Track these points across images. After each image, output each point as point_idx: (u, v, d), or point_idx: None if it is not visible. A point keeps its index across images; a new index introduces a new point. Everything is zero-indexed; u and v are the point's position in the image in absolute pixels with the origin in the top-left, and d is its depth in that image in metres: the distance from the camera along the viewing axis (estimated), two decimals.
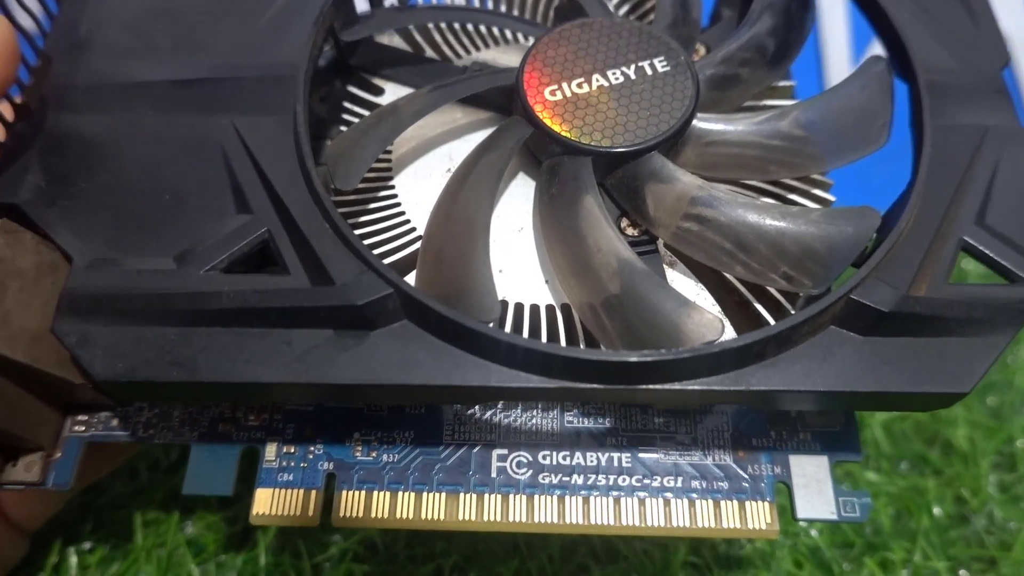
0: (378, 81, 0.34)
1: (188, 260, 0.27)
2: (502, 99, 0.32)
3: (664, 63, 0.30)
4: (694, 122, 0.30)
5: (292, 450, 0.30)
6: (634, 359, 0.24)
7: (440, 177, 0.31)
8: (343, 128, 0.33)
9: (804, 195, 0.32)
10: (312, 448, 0.30)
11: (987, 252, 0.27)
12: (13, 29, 0.29)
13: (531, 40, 0.32)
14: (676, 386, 0.25)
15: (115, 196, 0.28)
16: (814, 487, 0.30)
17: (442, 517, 0.29)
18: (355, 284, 0.25)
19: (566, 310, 0.28)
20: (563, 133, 0.29)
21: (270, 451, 0.30)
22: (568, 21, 0.32)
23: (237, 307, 0.26)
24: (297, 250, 0.27)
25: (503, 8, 0.36)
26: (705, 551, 0.38)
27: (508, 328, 0.28)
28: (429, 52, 0.35)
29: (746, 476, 0.30)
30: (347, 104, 0.34)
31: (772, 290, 0.29)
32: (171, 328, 0.26)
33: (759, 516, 0.29)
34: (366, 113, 0.33)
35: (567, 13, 0.35)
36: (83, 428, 0.30)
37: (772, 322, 0.28)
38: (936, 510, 0.42)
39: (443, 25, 0.36)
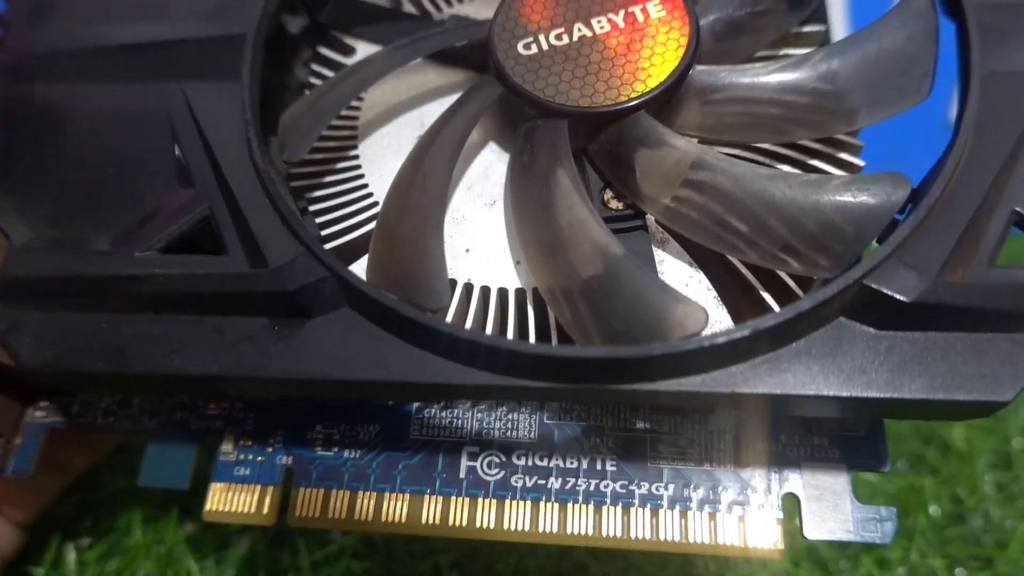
0: (350, 40, 0.31)
1: (125, 240, 0.25)
2: (477, 55, 0.28)
3: (659, 7, 0.26)
4: (694, 75, 0.26)
5: (250, 442, 0.28)
6: (592, 355, 0.21)
7: (409, 145, 0.28)
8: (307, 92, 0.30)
9: (828, 160, 0.27)
10: (272, 440, 0.28)
11: None
12: None
13: None
14: (646, 386, 0.21)
15: (59, 170, 0.27)
16: (829, 501, 0.26)
17: (403, 520, 0.27)
18: (289, 268, 0.23)
19: (537, 296, 0.25)
20: (536, 92, 0.25)
21: (227, 443, 0.28)
22: None
23: (168, 292, 0.24)
24: (238, 229, 0.25)
25: None
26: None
27: (471, 315, 0.25)
28: (407, 6, 0.32)
29: (749, 485, 0.26)
30: (315, 67, 0.31)
31: (782, 274, 0.25)
32: (102, 315, 0.24)
33: (761, 533, 0.25)
34: (332, 74, 0.30)
35: None
36: (43, 415, 0.29)
37: (776, 309, 0.24)
38: (933, 509, 0.42)
39: None
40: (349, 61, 0.31)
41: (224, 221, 0.25)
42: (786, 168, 0.27)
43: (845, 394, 0.21)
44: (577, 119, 0.25)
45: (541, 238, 0.24)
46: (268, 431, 0.28)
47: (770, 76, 0.26)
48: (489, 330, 0.24)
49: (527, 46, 0.26)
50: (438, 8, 0.32)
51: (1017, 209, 0.22)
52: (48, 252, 0.25)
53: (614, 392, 0.22)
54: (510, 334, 0.25)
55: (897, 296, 0.21)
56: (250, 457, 0.28)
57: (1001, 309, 0.21)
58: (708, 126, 0.26)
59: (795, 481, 0.26)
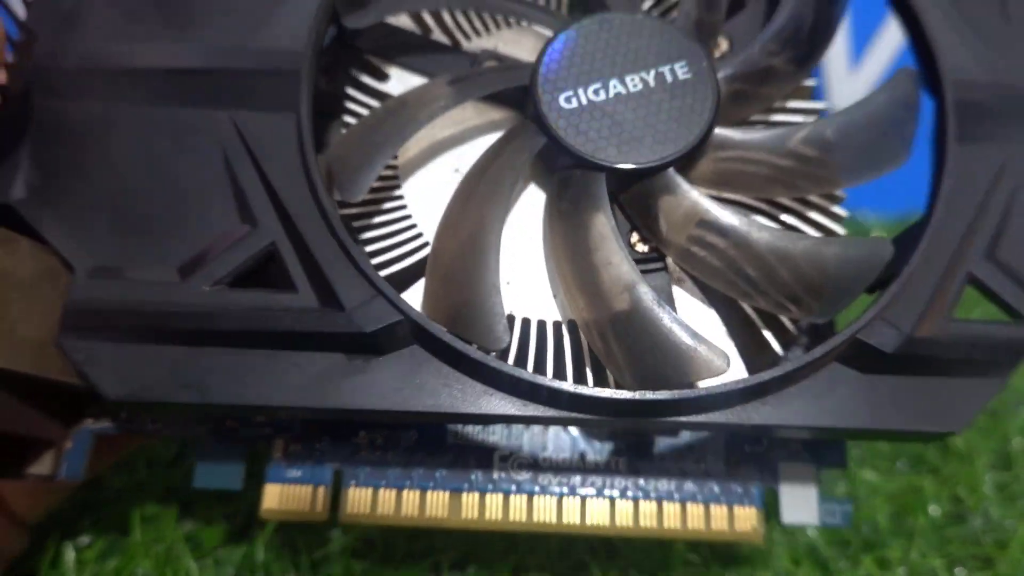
0: (380, 62, 0.32)
1: (193, 273, 0.26)
2: (515, 94, 0.30)
3: (685, 69, 0.29)
4: (712, 134, 0.29)
5: (299, 447, 0.31)
6: (641, 397, 0.25)
7: (448, 177, 0.30)
8: (346, 117, 0.31)
9: (820, 209, 0.31)
10: (319, 445, 0.31)
11: (993, 288, 0.27)
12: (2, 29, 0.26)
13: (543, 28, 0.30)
14: (680, 419, 0.26)
15: (112, 197, 0.27)
16: (800, 494, 0.32)
17: (445, 515, 0.31)
18: (365, 310, 0.25)
19: (573, 327, 0.28)
20: (577, 147, 0.28)
21: (277, 448, 0.31)
22: (583, 10, 0.30)
23: (245, 328, 0.25)
24: (304, 267, 0.26)
25: None
26: (704, 548, 0.39)
27: (514, 346, 0.28)
28: (436, 33, 0.33)
29: (736, 482, 0.32)
30: (349, 89, 0.32)
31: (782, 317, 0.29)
32: (179, 347, 0.26)
33: (747, 521, 0.31)
34: (368, 100, 0.31)
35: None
36: (92, 420, 0.31)
37: (775, 344, 0.29)
38: (933, 509, 0.42)
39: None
40: (383, 86, 0.32)
41: (290, 258, 0.26)
42: (787, 217, 0.31)
43: (837, 425, 0.26)
44: (611, 173, 0.28)
45: (580, 280, 0.27)
46: (315, 436, 0.31)
47: (774, 140, 0.30)
48: (531, 362, 0.28)
49: (568, 100, 0.28)
50: (467, 37, 0.33)
51: (972, 272, 0.28)
52: (116, 284, 0.26)
53: (649, 423, 0.26)
54: (549, 365, 0.28)
55: (880, 348, 0.26)
56: (299, 461, 0.31)
57: (955, 358, 0.27)
58: (717, 179, 0.30)
59: (774, 477, 0.32)
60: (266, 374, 0.26)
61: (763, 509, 0.31)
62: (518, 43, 0.33)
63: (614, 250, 0.27)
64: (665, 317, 0.26)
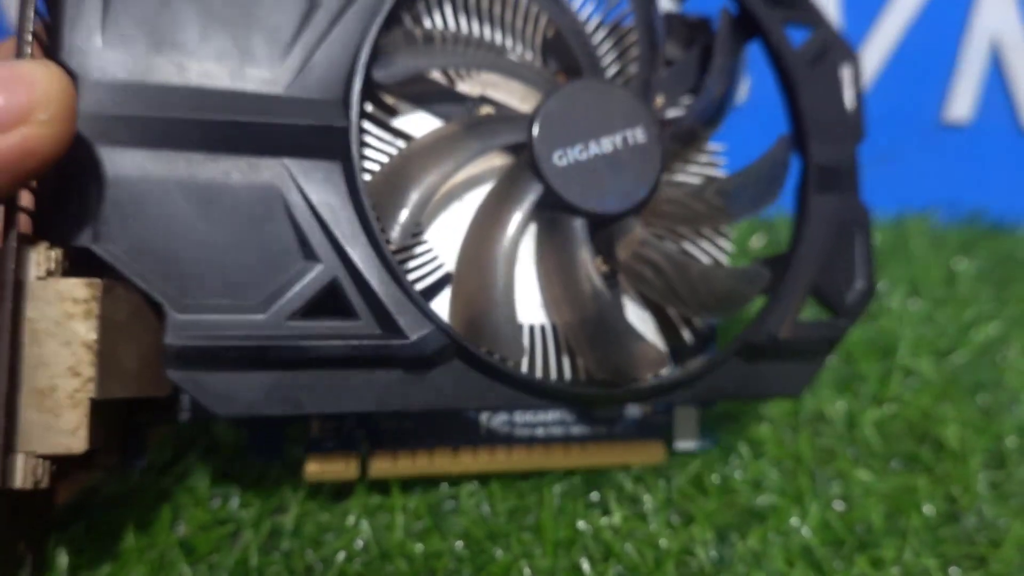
0: (392, 100, 0.36)
1: (273, 310, 0.30)
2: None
3: (643, 134, 0.37)
4: None
5: (331, 423, 0.39)
6: (611, 392, 0.36)
7: (455, 206, 0.37)
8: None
9: (710, 240, 0.42)
10: (347, 418, 0.40)
11: (832, 298, 0.40)
12: (71, 84, 0.27)
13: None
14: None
15: (184, 239, 0.30)
16: (687, 426, 0.44)
17: (451, 466, 0.41)
18: (424, 338, 0.32)
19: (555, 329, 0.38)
20: (569, 198, 0.36)
21: (315, 427, 0.39)
22: (558, 67, 0.39)
23: (327, 356, 0.31)
24: (364, 298, 0.32)
25: (505, 41, 0.39)
26: (699, 552, 0.40)
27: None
28: (435, 73, 0.37)
29: (647, 422, 0.43)
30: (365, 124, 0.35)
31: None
32: (273, 372, 0.31)
33: (655, 450, 0.44)
34: (381, 132, 0.35)
35: (554, 46, 0.39)
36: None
37: (688, 337, 0.41)
38: (927, 508, 0.43)
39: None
40: (394, 121, 0.36)
41: (351, 291, 0.31)
42: (693, 256, 0.41)
43: (733, 395, 0.39)
44: (593, 218, 0.37)
45: (567, 295, 0.36)
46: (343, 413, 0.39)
47: (695, 190, 0.39)
48: (539, 364, 0.37)
49: (560, 158, 0.36)
50: (460, 78, 0.38)
51: (815, 286, 0.39)
52: (207, 323, 0.29)
53: (614, 402, 0.39)
54: (552, 362, 0.37)
55: (759, 346, 0.37)
56: (333, 433, 0.39)
57: (797, 349, 0.39)
58: (652, 214, 0.39)
59: (671, 418, 0.44)
60: (346, 388, 0.32)
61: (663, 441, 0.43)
62: (507, 90, 0.39)
63: (593, 278, 0.36)
64: (622, 323, 0.36)
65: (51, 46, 0.29)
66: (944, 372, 0.56)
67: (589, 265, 0.36)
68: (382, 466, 0.40)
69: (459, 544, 0.40)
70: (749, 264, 0.41)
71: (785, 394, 0.40)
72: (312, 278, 0.31)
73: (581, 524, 0.41)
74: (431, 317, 0.32)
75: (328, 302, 0.32)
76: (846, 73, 0.43)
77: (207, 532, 0.40)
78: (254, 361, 0.30)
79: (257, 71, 0.32)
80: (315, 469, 0.39)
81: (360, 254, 0.31)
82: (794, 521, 0.42)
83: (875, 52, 0.85)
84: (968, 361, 0.57)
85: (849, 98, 0.43)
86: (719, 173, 0.43)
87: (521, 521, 0.42)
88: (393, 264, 0.32)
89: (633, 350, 0.36)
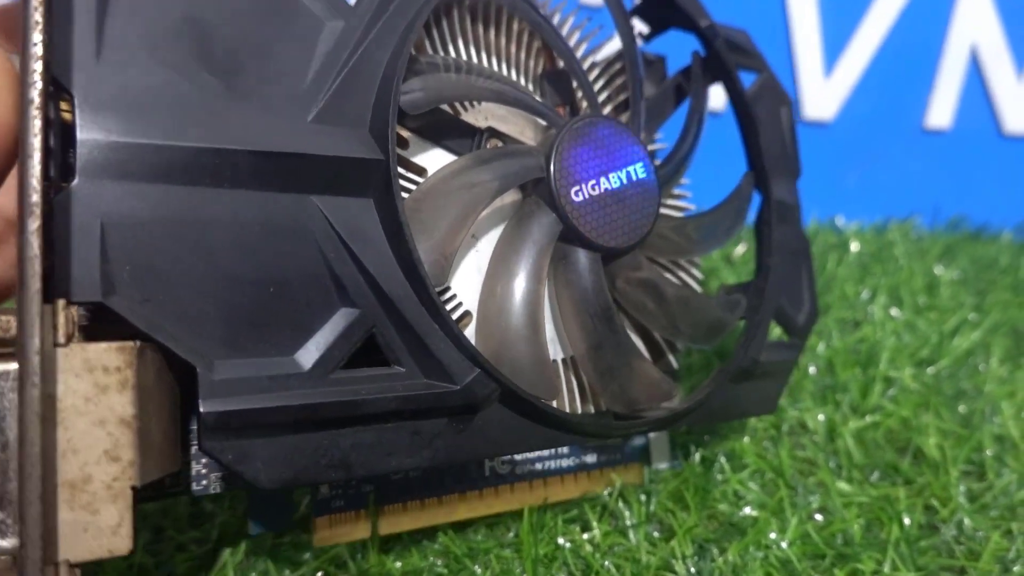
0: (400, 129, 0.34)
1: (315, 363, 0.28)
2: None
3: (643, 170, 0.38)
4: None
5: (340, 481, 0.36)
6: (631, 425, 0.37)
7: (466, 245, 0.36)
8: None
9: (685, 270, 0.46)
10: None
11: (789, 321, 0.45)
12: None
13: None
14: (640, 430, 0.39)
15: (212, 286, 0.26)
16: (661, 448, 0.47)
17: (456, 512, 0.40)
18: (472, 384, 0.30)
19: (570, 363, 0.39)
20: (586, 232, 0.36)
21: (324, 487, 0.36)
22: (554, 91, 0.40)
23: (375, 411, 0.28)
24: (405, 344, 0.29)
25: (513, 75, 0.40)
26: (678, 567, 0.40)
27: None
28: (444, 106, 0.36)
29: (628, 447, 0.46)
30: None
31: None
32: (318, 433, 0.27)
33: (634, 472, 0.46)
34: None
35: (552, 79, 0.40)
36: None
37: (672, 360, 0.43)
38: (906, 520, 0.43)
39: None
40: (404, 153, 0.34)
41: (392, 338, 0.29)
42: (676, 283, 0.43)
43: (715, 420, 0.41)
44: (605, 252, 0.37)
45: (583, 330, 0.37)
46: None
47: (678, 224, 0.43)
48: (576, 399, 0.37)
49: (576, 193, 0.36)
50: (465, 108, 0.37)
51: (777, 311, 0.43)
52: (243, 381, 0.26)
53: (630, 432, 0.39)
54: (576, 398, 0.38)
55: (746, 368, 0.40)
56: (340, 491, 0.37)
57: (768, 369, 0.43)
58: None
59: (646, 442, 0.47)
60: (394, 444, 0.29)
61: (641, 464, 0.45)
62: (510, 120, 0.39)
63: (611, 314, 0.37)
64: (638, 358, 0.37)
65: (51, 63, 0.25)
66: (925, 381, 0.57)
67: (607, 298, 0.37)
68: (393, 521, 0.38)
69: (439, 562, 0.39)
70: (718, 291, 0.45)
71: (764, 411, 0.45)
72: (351, 324, 0.28)
73: (561, 540, 0.41)
74: (479, 362, 0.30)
75: (361, 348, 0.29)
76: (784, 114, 0.47)
77: (184, 553, 0.40)
78: (300, 422, 0.27)
79: (279, 100, 0.28)
80: (326, 535, 0.37)
81: (400, 295, 0.29)
82: (773, 534, 0.42)
83: (855, 60, 0.85)
84: (949, 370, 0.58)
85: (788, 137, 0.47)
86: (686, 204, 0.47)
87: (501, 538, 0.41)
88: (440, 306, 0.30)
89: (648, 383, 0.37)
